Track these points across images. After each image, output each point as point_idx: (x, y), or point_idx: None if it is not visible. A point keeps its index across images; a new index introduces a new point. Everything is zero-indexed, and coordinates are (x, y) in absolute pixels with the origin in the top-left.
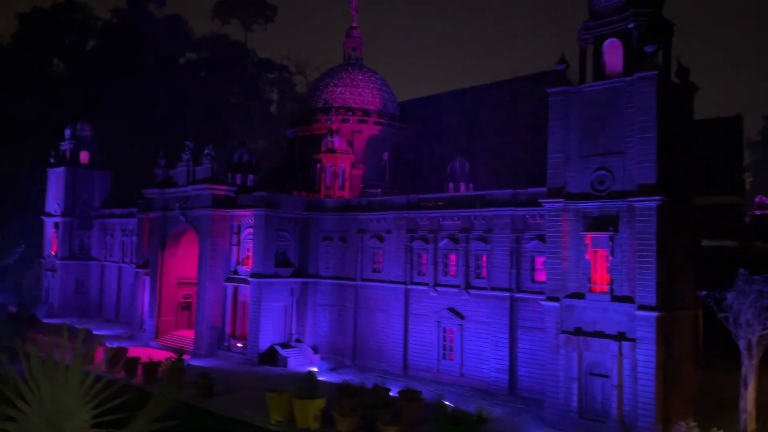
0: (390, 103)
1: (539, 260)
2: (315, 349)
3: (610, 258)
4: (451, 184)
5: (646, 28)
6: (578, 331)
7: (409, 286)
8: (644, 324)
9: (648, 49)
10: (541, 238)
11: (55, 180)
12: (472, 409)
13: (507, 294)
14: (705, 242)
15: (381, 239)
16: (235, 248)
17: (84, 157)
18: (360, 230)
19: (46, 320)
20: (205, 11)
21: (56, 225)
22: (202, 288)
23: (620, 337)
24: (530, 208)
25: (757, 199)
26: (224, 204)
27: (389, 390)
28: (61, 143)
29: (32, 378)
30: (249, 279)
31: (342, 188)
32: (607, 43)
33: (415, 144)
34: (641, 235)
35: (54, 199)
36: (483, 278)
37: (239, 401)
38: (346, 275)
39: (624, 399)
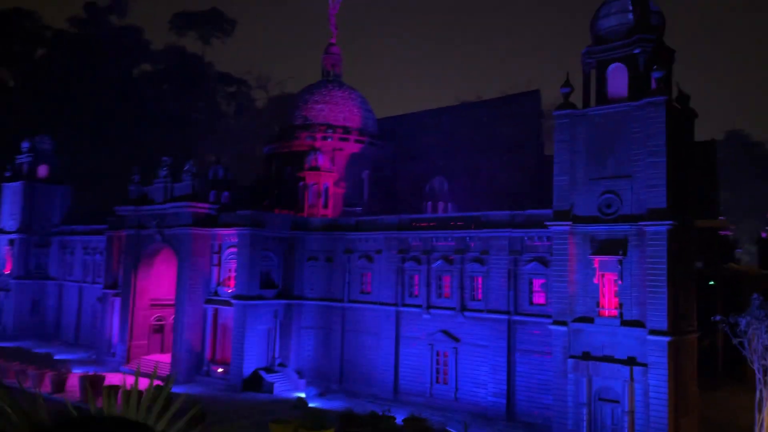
0: (370, 121)
1: (537, 282)
2: (300, 374)
3: (619, 282)
4: (429, 203)
5: (651, 53)
6: (587, 356)
7: (401, 308)
8: (656, 349)
9: (656, 75)
10: (541, 260)
11: (11, 195)
12: None
13: (504, 317)
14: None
15: (370, 260)
16: (215, 269)
17: (43, 171)
18: (347, 250)
19: None
20: (160, 23)
21: (11, 242)
22: (180, 310)
23: (631, 362)
24: (528, 230)
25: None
26: (205, 222)
27: (394, 418)
28: (18, 156)
29: None
30: (232, 301)
31: (325, 206)
32: (611, 67)
33: (392, 162)
34: (652, 259)
35: (9, 215)
36: (479, 300)
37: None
38: (332, 297)
39: (636, 425)
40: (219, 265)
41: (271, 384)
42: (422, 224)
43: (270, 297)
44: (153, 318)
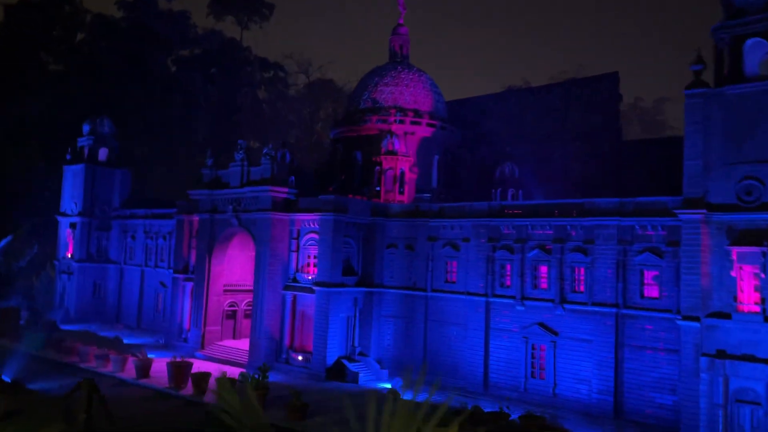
0: (440, 105)
1: (649, 275)
2: (380, 364)
3: (762, 275)
4: (499, 190)
5: None
6: (722, 354)
7: (491, 299)
8: None
9: None
10: (654, 251)
11: (72, 178)
12: None
13: (612, 310)
14: None
15: (456, 248)
16: (294, 254)
17: (103, 154)
18: (431, 238)
19: (63, 327)
20: (200, 7)
21: (73, 225)
22: (260, 296)
23: None
24: (640, 219)
25: None
26: (284, 207)
27: (509, 415)
28: (79, 139)
29: None
30: (314, 288)
31: (402, 192)
32: (749, 43)
33: (460, 147)
34: None
35: (70, 198)
36: (581, 292)
37: (338, 424)
38: (413, 285)
39: None
40: (297, 251)
41: (356, 374)
42: (515, 211)
43: (351, 284)
44: (226, 303)
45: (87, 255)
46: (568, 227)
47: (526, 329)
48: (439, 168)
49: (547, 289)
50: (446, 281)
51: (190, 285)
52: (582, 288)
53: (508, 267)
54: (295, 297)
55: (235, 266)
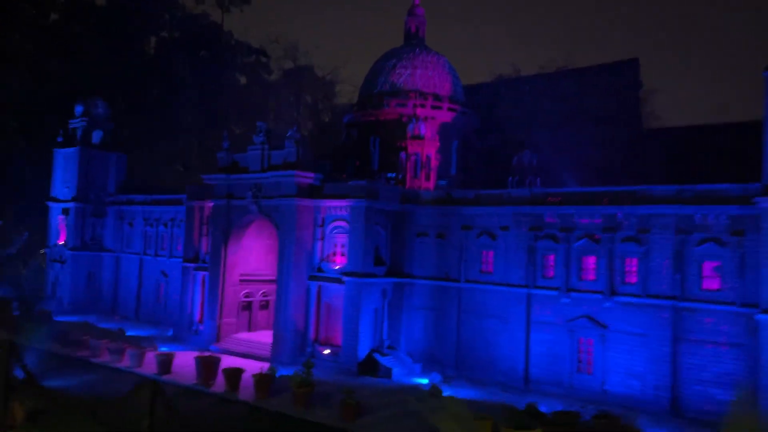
0: (459, 89)
1: (710, 266)
2: (411, 357)
3: None
4: (517, 178)
5: None
6: None
7: (532, 291)
8: None
9: None
10: (716, 241)
11: (64, 161)
12: None
13: (668, 302)
14: None
15: (493, 237)
16: (319, 243)
17: (96, 136)
18: (465, 226)
19: (57, 318)
20: None
21: (65, 211)
22: (284, 287)
23: None
24: (701, 207)
25: None
26: (308, 193)
27: (580, 415)
28: (71, 121)
29: None
30: (343, 278)
31: (428, 179)
32: None
33: (477, 133)
34: None
35: (63, 183)
36: (632, 284)
37: (392, 424)
38: (445, 275)
39: None
40: (323, 239)
41: (389, 369)
42: (559, 199)
43: (380, 275)
44: (242, 294)
45: (81, 243)
46: (620, 216)
47: (571, 322)
48: (457, 154)
49: (595, 281)
50: (481, 272)
51: (200, 274)
52: (634, 279)
53: (552, 257)
54: (320, 287)
55: (250, 255)
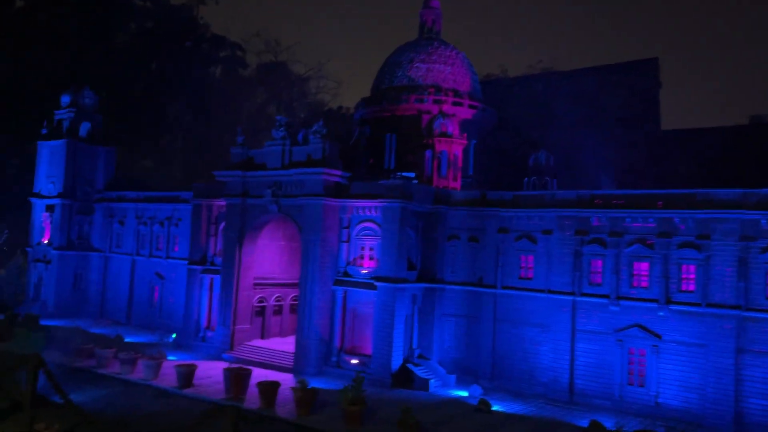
0: (476, 85)
1: None
2: (444, 367)
3: None
4: (534, 178)
5: None
6: None
7: (578, 298)
8: None
9: None
10: None
11: (49, 155)
12: None
13: (731, 312)
14: None
15: (533, 241)
16: (344, 245)
17: (84, 129)
18: (502, 229)
19: (42, 323)
20: None
21: (50, 208)
22: (308, 292)
23: None
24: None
25: None
26: (335, 192)
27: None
28: (56, 112)
29: None
30: (375, 283)
31: (455, 179)
32: None
33: (493, 132)
34: None
35: (47, 178)
36: (690, 292)
37: None
38: (478, 281)
39: None
40: (348, 241)
41: (426, 380)
42: (609, 201)
43: (412, 280)
44: (255, 299)
45: (67, 242)
46: (677, 220)
47: (621, 332)
48: (476, 153)
49: (648, 288)
50: (520, 277)
51: (208, 278)
52: (692, 287)
53: (599, 263)
54: (345, 293)
55: (264, 257)
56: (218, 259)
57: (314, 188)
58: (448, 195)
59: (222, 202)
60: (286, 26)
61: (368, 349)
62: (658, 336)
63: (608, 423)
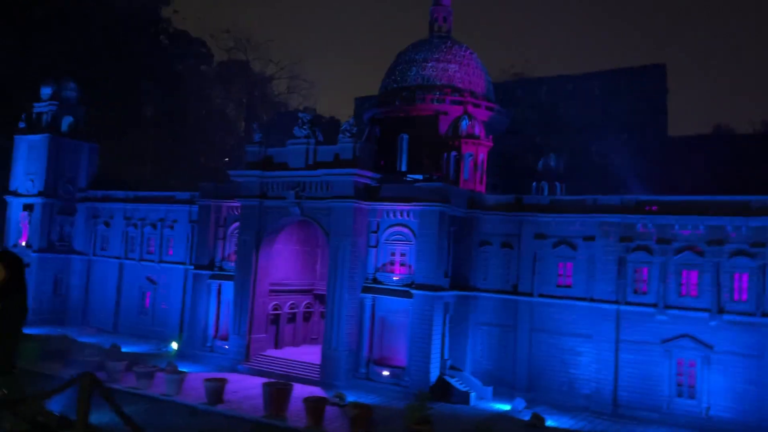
0: (490, 86)
1: None
2: (479, 379)
3: None
4: (544, 183)
5: None
6: None
7: (622, 307)
8: None
9: None
10: None
11: (27, 150)
12: None
13: None
14: None
15: (573, 247)
16: (373, 251)
17: (66, 123)
18: (538, 235)
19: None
20: None
21: (28, 207)
22: (336, 300)
23: None
24: None
25: None
26: (364, 195)
27: None
28: (36, 105)
29: None
30: (411, 291)
31: (481, 182)
32: None
33: (505, 135)
34: None
35: (25, 175)
36: (743, 301)
37: None
38: (513, 289)
39: None
40: (377, 246)
41: (465, 393)
42: (654, 207)
43: (446, 287)
44: (271, 306)
45: (48, 243)
46: (728, 227)
47: (669, 342)
48: (490, 156)
49: (697, 297)
50: (558, 285)
51: (216, 283)
52: (745, 297)
53: (645, 271)
54: (374, 301)
55: (279, 262)
56: (227, 264)
57: (344, 190)
58: (482, 199)
59: (233, 203)
60: (264, 25)
61: (398, 361)
62: (709, 346)
63: None
